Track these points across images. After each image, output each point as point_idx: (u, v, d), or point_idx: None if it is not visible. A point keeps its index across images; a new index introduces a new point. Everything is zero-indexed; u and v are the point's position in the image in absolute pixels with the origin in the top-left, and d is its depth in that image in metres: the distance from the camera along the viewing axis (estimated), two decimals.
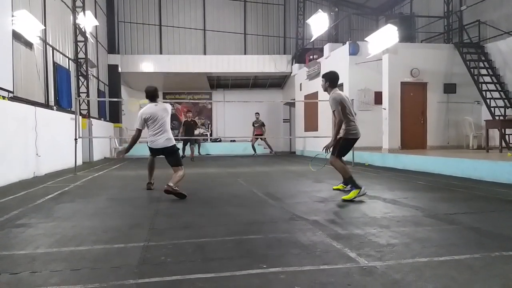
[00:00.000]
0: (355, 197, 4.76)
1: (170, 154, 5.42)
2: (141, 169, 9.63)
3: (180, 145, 17.38)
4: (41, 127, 8.04)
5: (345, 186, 5.53)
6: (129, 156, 16.23)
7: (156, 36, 18.99)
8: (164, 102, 5.69)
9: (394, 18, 15.00)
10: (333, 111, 5.04)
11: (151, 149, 5.56)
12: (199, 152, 16.31)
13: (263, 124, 15.76)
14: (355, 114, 5.27)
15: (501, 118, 10.21)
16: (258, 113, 15.98)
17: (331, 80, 5.22)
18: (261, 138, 15.82)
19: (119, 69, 18.12)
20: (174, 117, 20.42)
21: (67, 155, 9.37)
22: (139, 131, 5.47)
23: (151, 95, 5.56)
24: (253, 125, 15.88)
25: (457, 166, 7.45)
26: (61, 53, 11.53)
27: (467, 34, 11.84)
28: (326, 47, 14.33)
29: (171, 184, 4.94)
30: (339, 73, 5.34)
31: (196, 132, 16.96)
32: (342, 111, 5.00)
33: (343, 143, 5.12)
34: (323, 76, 5.30)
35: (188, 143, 13.30)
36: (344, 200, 4.77)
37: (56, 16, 11.15)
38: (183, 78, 18.98)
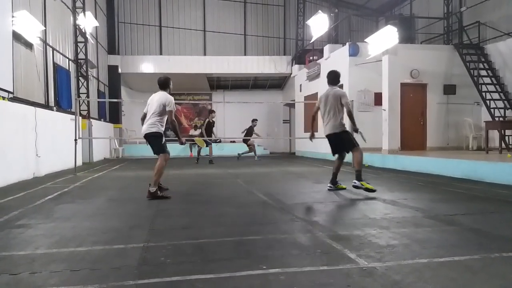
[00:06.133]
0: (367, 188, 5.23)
1: (151, 141, 5.26)
2: (141, 170, 9.64)
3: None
4: (41, 128, 8.04)
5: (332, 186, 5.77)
6: (129, 157, 16.24)
7: (156, 37, 19.01)
8: (170, 95, 5.37)
9: (394, 19, 15.00)
10: (344, 104, 5.49)
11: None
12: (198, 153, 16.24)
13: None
14: (328, 114, 5.66)
15: (501, 119, 10.21)
16: (256, 120, 14.25)
17: (328, 79, 5.74)
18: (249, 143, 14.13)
19: (119, 70, 18.13)
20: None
21: (67, 156, 9.36)
22: (143, 114, 5.46)
23: (160, 84, 5.42)
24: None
25: (457, 167, 7.45)
26: (61, 53, 11.53)
27: (467, 35, 11.85)
28: (326, 48, 14.33)
29: (150, 188, 5.01)
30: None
31: (196, 133, 16.92)
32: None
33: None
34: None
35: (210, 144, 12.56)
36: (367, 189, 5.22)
37: (56, 17, 11.16)
38: (183, 79, 18.98)
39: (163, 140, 5.28)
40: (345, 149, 5.65)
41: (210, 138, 12.29)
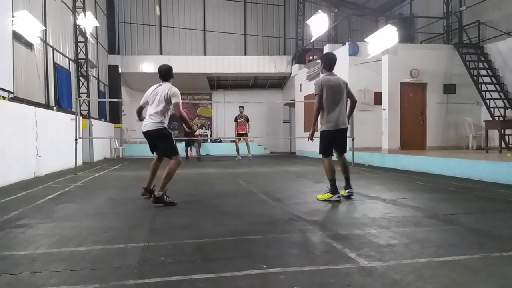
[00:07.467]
0: (325, 200, 4.74)
1: (159, 140, 4.76)
2: (141, 170, 9.64)
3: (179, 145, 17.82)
4: (42, 128, 8.04)
5: (344, 192, 4.96)
6: (129, 157, 16.24)
7: (156, 37, 19.00)
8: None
9: (393, 18, 14.99)
10: (350, 93, 4.97)
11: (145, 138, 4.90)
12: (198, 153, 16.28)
13: (247, 120, 13.28)
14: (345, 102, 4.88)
15: (501, 118, 10.22)
16: (242, 107, 13.38)
17: (325, 63, 4.99)
18: (243, 138, 13.42)
19: (119, 70, 18.13)
20: (173, 117, 20.43)
21: (67, 156, 9.37)
22: (139, 108, 5.10)
23: (163, 75, 4.90)
24: (236, 120, 13.37)
25: (457, 167, 7.45)
26: (61, 53, 11.53)
27: (467, 35, 11.85)
28: (326, 48, 14.32)
29: (156, 193, 4.51)
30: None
31: (197, 132, 16.98)
32: (323, 98, 4.77)
33: (320, 136, 4.93)
34: (320, 57, 5.02)
35: (191, 144, 13.97)
36: (318, 199, 4.81)
37: (56, 17, 11.16)
38: (183, 79, 18.91)
39: (174, 140, 4.82)
40: (342, 148, 4.98)
41: (195, 138, 13.89)
